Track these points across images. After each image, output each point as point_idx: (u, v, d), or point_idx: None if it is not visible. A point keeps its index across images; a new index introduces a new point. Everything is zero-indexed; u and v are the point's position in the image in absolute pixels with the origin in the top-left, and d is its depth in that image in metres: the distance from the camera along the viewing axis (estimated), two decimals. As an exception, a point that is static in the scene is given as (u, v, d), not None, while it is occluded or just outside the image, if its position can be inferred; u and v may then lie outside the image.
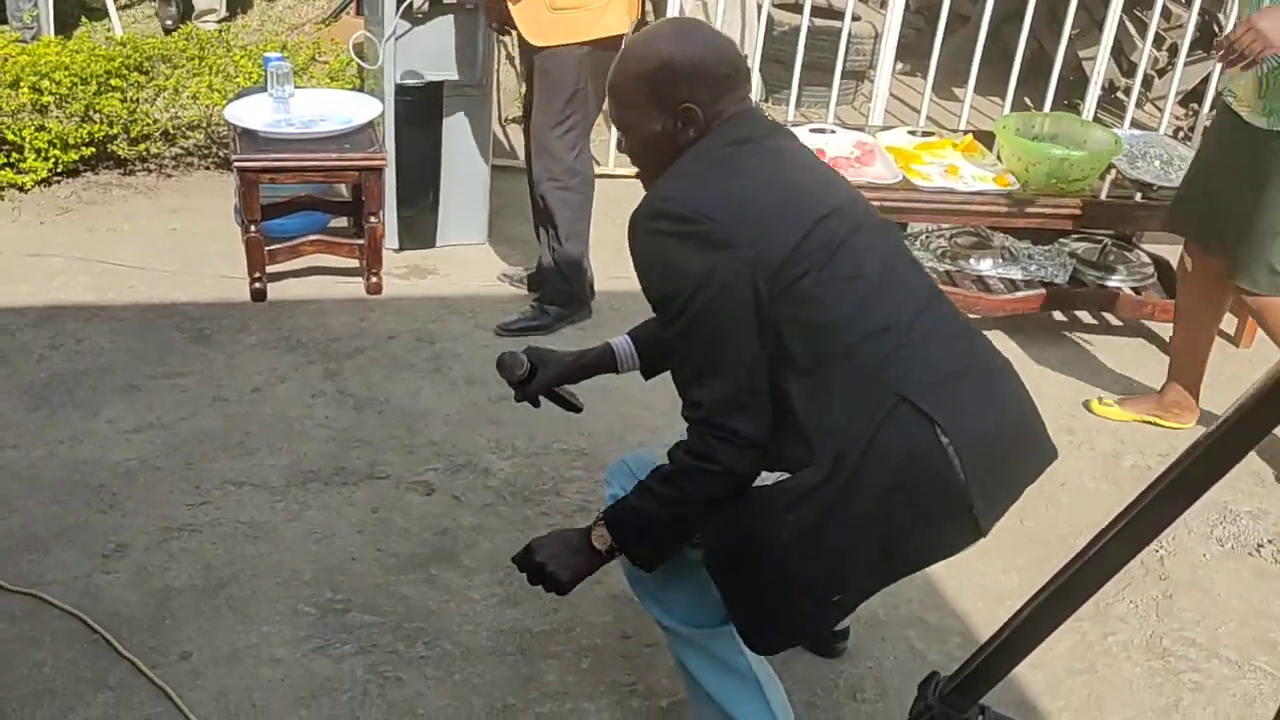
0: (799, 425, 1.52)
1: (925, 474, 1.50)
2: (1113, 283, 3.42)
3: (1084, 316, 3.61)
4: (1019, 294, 3.36)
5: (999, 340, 3.40)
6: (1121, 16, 4.48)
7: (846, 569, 1.56)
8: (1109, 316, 3.59)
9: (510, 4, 2.95)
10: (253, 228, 3.24)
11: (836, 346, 1.52)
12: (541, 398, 1.99)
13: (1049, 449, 1.65)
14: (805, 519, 1.51)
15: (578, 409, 2.03)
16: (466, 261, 3.63)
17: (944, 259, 3.46)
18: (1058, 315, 3.58)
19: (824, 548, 1.52)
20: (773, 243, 1.51)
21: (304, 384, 2.96)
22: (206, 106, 3.96)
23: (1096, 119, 4.48)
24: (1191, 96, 5.05)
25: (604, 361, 1.96)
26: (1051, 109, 4.34)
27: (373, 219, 3.32)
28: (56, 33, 4.62)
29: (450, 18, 3.40)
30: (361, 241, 3.38)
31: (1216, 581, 2.53)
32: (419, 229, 3.68)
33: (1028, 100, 4.83)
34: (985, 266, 3.43)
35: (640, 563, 1.67)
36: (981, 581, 2.45)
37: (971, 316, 3.48)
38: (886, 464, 1.49)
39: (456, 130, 3.56)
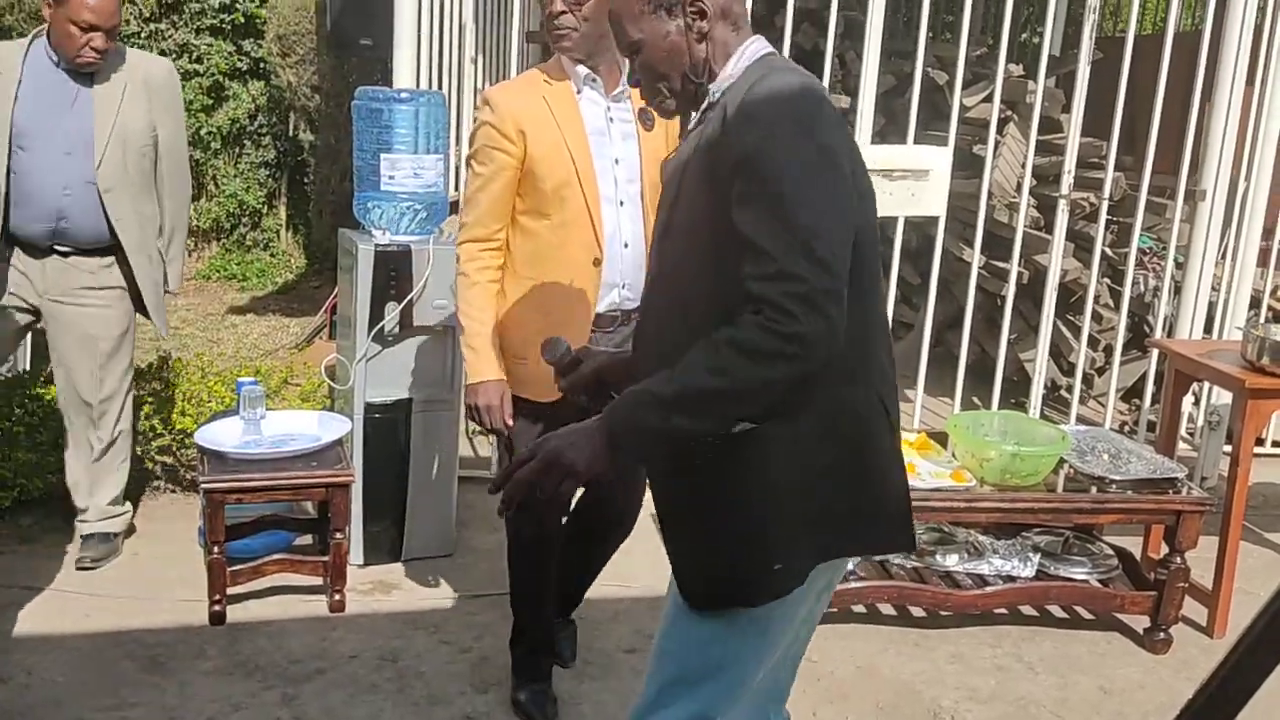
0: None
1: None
2: (1078, 575, 3.43)
3: (1054, 610, 3.59)
4: (988, 590, 3.35)
5: (979, 638, 3.36)
6: (1056, 321, 4.75)
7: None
8: (1080, 610, 3.57)
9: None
10: (215, 549, 3.21)
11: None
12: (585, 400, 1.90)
13: None
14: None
15: None
16: (431, 575, 3.59)
17: (909, 556, 3.47)
18: (1026, 609, 3.56)
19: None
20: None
21: (260, 711, 2.83)
22: (177, 431, 4.02)
23: (1043, 416, 4.65)
24: (1132, 393, 5.28)
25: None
26: (999, 408, 4.51)
27: (338, 535, 3.31)
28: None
29: (420, 338, 3.56)
30: (326, 559, 3.35)
31: None
32: (384, 543, 3.66)
33: (976, 400, 5.02)
34: (951, 562, 3.44)
35: (635, 443, 1.56)
36: None
37: (943, 615, 3.45)
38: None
39: (424, 444, 3.63)
